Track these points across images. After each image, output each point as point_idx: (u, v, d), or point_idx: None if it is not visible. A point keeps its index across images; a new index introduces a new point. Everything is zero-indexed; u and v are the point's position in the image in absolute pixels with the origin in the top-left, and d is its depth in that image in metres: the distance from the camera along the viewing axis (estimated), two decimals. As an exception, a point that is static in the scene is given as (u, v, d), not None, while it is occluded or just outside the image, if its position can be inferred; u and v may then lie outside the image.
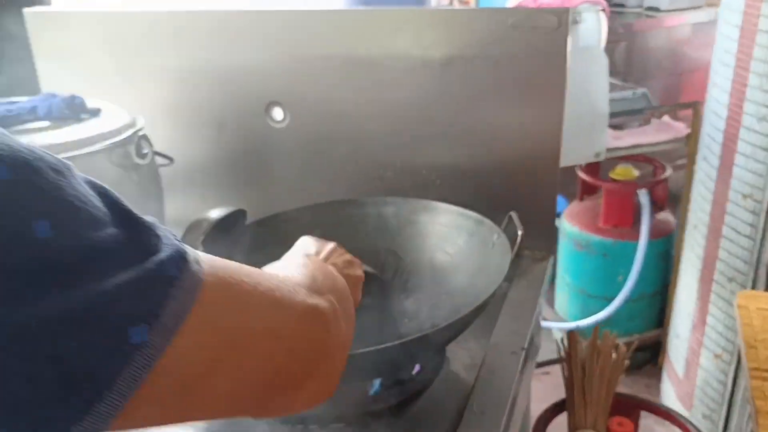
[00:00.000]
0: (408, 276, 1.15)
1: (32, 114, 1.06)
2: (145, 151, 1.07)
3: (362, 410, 0.91)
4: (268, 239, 1.14)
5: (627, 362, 1.23)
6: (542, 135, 1.17)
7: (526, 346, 1.00)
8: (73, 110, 1.09)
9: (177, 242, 0.37)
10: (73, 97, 1.10)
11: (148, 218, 0.38)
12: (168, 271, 0.35)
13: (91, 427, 0.31)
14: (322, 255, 0.72)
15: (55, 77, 1.43)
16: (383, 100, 1.25)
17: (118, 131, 1.05)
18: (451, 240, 1.12)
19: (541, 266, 1.21)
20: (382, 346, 0.81)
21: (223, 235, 1.09)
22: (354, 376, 0.84)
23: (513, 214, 1.04)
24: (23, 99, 1.12)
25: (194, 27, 1.31)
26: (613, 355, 1.25)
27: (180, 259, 0.36)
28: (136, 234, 0.35)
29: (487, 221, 1.05)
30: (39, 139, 1.00)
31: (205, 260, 0.39)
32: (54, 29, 1.41)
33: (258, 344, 0.41)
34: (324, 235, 0.98)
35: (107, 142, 1.03)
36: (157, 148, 1.19)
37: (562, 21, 1.08)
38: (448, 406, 0.92)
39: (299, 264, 0.58)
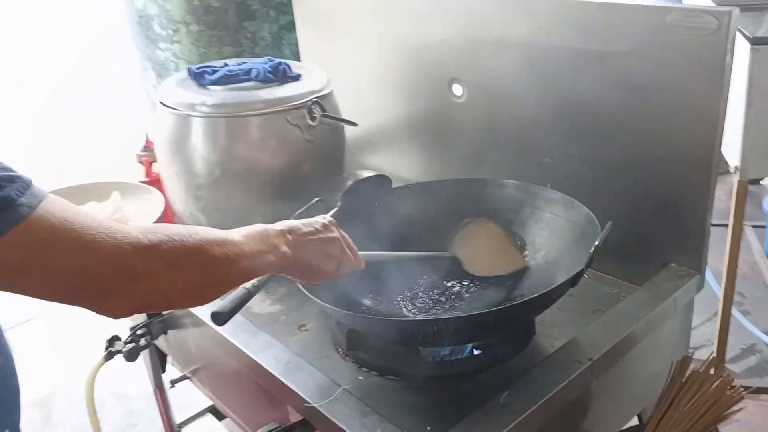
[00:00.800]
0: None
1: (247, 75, 1.34)
2: (315, 116, 1.28)
3: (448, 371, 1.04)
4: (410, 203, 1.28)
5: (737, 408, 1.07)
6: (695, 142, 1.06)
7: (595, 357, 0.98)
8: (277, 75, 1.34)
9: (19, 189, 0.59)
10: (279, 63, 1.36)
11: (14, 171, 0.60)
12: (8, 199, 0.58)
13: None
14: (299, 231, 0.87)
15: (310, 41, 1.73)
16: (547, 89, 1.25)
17: (296, 97, 1.28)
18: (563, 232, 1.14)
19: (677, 283, 1.12)
20: (477, 312, 1.00)
21: (365, 193, 1.27)
22: (451, 339, 0.97)
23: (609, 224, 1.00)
24: (255, 60, 1.41)
25: (396, 4, 1.45)
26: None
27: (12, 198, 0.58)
28: None
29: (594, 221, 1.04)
30: (243, 96, 1.28)
31: (46, 202, 0.61)
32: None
33: (61, 266, 0.62)
34: (457, 207, 1.14)
35: (285, 105, 1.26)
36: (353, 110, 1.40)
37: (723, 23, 0.95)
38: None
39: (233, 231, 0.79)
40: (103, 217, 1.19)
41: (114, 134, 3.22)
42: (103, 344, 1.35)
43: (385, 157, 1.66)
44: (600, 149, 1.21)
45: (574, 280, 0.95)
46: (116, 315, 0.68)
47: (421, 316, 1.13)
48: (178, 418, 1.79)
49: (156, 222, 1.27)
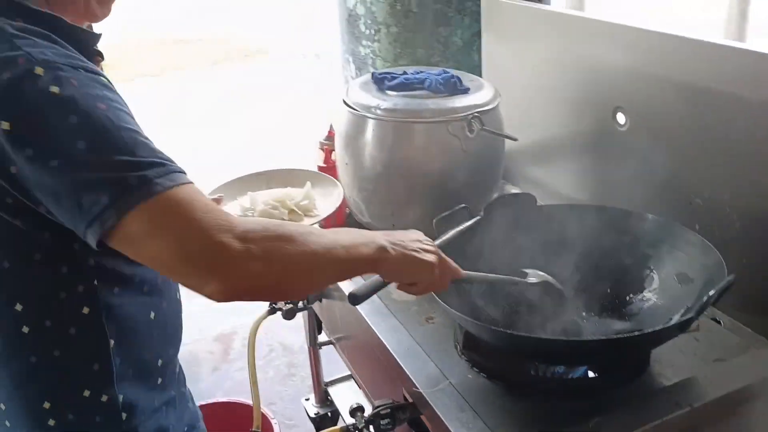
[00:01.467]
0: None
1: (421, 84, 1.48)
2: (474, 128, 1.38)
3: (552, 386, 1.13)
4: (551, 223, 1.34)
5: None
6: None
7: (695, 405, 0.99)
8: (447, 87, 1.46)
9: (165, 176, 0.74)
10: (451, 76, 1.47)
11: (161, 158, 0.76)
12: (146, 178, 0.73)
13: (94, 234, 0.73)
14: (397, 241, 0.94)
15: (493, 50, 1.83)
16: (705, 131, 1.24)
17: (459, 110, 1.39)
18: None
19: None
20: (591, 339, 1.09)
21: (509, 207, 1.35)
22: (566, 360, 1.07)
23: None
24: (432, 71, 1.54)
25: (579, 29, 1.49)
26: None
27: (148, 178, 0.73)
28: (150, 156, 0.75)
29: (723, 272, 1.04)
30: (413, 104, 1.42)
31: (179, 188, 0.75)
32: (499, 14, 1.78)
33: (173, 244, 0.74)
34: (598, 234, 1.25)
35: (448, 117, 1.38)
36: (520, 122, 1.48)
37: None
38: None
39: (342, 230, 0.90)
40: (293, 202, 1.40)
41: (309, 120, 3.54)
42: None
43: (544, 170, 1.71)
44: (752, 199, 1.17)
45: (682, 326, 0.96)
46: (218, 298, 0.75)
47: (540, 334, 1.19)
48: (326, 377, 2.01)
49: (332, 212, 1.43)
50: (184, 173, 0.78)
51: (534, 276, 1.20)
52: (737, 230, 1.20)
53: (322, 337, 1.78)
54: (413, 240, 0.97)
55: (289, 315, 1.56)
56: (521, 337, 1.10)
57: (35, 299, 0.86)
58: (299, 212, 1.41)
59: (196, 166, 1.47)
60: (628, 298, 1.23)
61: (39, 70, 0.75)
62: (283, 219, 1.37)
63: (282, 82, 6.51)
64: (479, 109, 1.41)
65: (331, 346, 1.69)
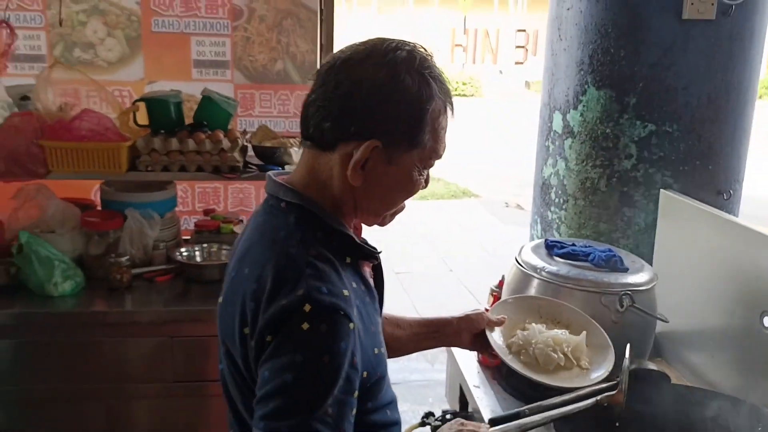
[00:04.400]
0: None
1: (585, 257, 1.72)
2: (624, 304, 1.57)
3: None
4: (678, 405, 1.45)
5: None
6: None
7: None
8: (608, 263, 1.68)
9: None
10: (614, 255, 1.70)
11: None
12: None
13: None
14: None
15: (666, 237, 2.01)
16: None
17: (613, 285, 1.60)
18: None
19: None
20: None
21: (643, 379, 1.51)
22: None
23: None
24: (598, 247, 1.78)
25: (738, 235, 1.65)
26: None
27: None
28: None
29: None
30: (574, 272, 1.66)
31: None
32: None
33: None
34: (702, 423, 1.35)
35: (602, 289, 1.60)
36: (678, 306, 1.65)
37: None
38: None
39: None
40: (568, 348, 1.51)
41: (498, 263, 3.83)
42: (421, 414, 1.83)
43: (694, 353, 1.80)
44: None
45: None
46: None
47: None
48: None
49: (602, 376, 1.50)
50: None
51: None
52: None
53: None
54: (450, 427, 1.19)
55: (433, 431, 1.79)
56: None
57: None
58: (572, 359, 1.50)
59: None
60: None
61: (307, 308, 0.97)
62: (560, 364, 1.49)
63: (485, 222, 6.96)
64: (632, 288, 1.60)
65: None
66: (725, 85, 2.20)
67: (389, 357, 1.26)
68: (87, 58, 2.72)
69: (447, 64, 17.88)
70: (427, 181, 1.14)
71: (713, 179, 2.28)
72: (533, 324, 1.55)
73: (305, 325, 0.96)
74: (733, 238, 1.67)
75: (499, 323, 1.51)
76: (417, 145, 1.08)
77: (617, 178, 2.31)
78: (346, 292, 1.02)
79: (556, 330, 1.53)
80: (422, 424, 1.82)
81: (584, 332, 1.54)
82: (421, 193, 1.18)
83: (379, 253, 1.17)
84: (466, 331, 1.49)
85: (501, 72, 19.40)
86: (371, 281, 1.19)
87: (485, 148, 10.52)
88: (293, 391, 0.95)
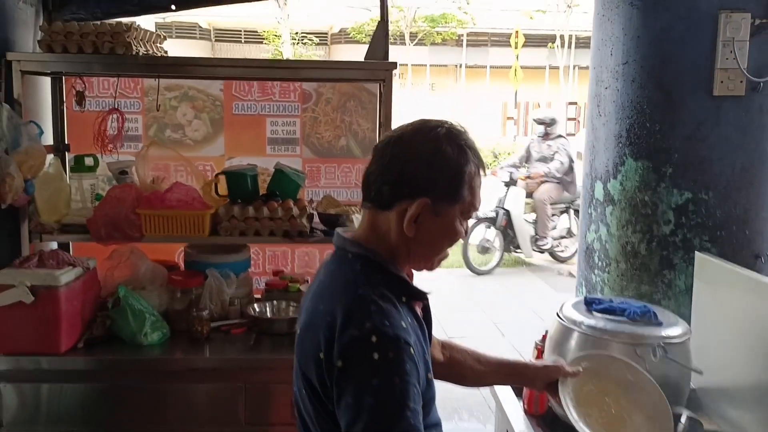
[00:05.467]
0: None
1: (622, 312, 1.88)
2: (657, 355, 1.72)
3: None
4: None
5: None
6: None
7: None
8: (643, 317, 1.84)
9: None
10: (648, 310, 1.85)
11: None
12: None
13: None
14: None
15: (701, 298, 2.14)
16: None
17: (647, 338, 1.75)
18: None
19: None
20: None
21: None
22: None
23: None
24: (633, 303, 1.93)
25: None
26: None
27: None
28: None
29: None
30: (610, 326, 1.82)
31: None
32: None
33: None
34: None
35: (637, 341, 1.75)
36: (713, 360, 1.78)
37: None
38: None
39: None
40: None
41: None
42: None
43: (731, 407, 1.91)
44: None
45: None
46: None
47: None
48: None
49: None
50: None
51: None
52: None
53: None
54: None
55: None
56: None
57: None
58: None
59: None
60: None
61: (374, 339, 1.17)
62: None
63: (537, 289, 7.04)
64: (665, 340, 1.75)
65: None
66: (758, 154, 2.35)
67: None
68: (177, 137, 3.10)
69: (499, 137, 18.22)
70: (467, 231, 1.41)
71: (750, 243, 2.40)
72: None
73: (375, 355, 1.17)
74: (765, 298, 1.80)
75: (574, 374, 1.67)
76: (458, 200, 1.32)
77: (657, 242, 2.46)
78: (404, 324, 1.24)
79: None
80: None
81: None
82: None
83: (429, 293, 1.40)
84: (540, 380, 1.67)
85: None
86: (422, 319, 1.41)
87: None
88: (376, 410, 1.15)
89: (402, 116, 1.80)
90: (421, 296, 1.39)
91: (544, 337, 2.07)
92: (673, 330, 1.81)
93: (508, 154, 16.58)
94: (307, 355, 1.29)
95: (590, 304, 1.94)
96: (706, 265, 2.14)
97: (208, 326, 2.47)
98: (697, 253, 2.18)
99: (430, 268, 1.39)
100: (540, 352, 2.07)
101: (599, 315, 1.89)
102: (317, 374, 1.25)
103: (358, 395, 1.17)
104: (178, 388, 2.34)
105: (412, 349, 1.21)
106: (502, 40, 20.40)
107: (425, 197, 1.29)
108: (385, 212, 1.33)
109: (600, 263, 2.69)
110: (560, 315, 1.93)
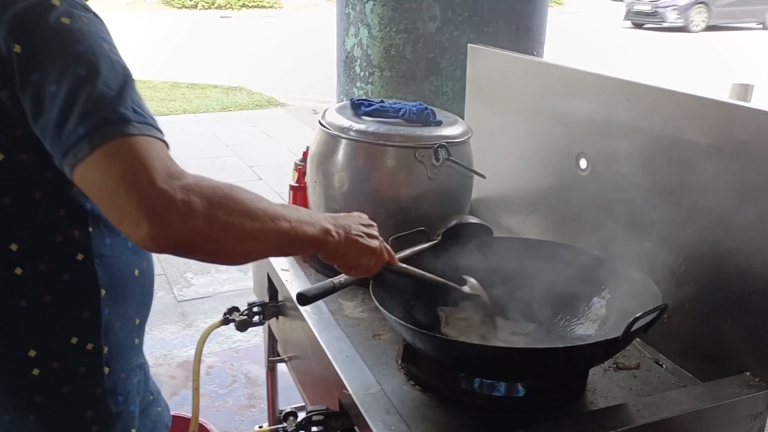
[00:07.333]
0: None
1: (396, 113, 1.53)
2: (440, 158, 1.42)
3: (478, 402, 1.12)
4: (501, 254, 1.36)
5: None
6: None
7: (619, 429, 0.99)
8: (421, 117, 1.52)
9: (142, 124, 0.77)
10: (425, 108, 1.53)
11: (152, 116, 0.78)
12: (125, 118, 0.75)
13: (69, 164, 0.74)
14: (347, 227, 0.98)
15: (474, 99, 1.89)
16: (661, 177, 1.27)
17: (427, 138, 1.44)
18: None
19: (742, 390, 1.07)
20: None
21: (465, 235, 1.38)
22: (487, 370, 1.09)
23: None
24: (408, 103, 1.60)
25: (548, 76, 1.56)
26: None
27: (130, 121, 0.75)
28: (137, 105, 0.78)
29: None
30: (384, 129, 1.47)
31: (153, 138, 0.76)
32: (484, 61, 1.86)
33: (117, 180, 0.73)
34: (528, 267, 1.28)
35: (416, 143, 1.43)
36: (492, 166, 1.54)
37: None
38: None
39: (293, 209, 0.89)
40: None
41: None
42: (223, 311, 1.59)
43: (513, 215, 1.74)
44: (700, 247, 1.19)
45: (608, 346, 0.97)
46: (150, 245, 0.73)
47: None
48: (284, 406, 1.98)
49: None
50: (162, 133, 0.80)
51: (471, 287, 1.22)
52: (682, 274, 1.22)
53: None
54: (358, 224, 1.00)
55: (241, 326, 1.56)
56: (448, 341, 1.11)
57: (31, 240, 0.87)
58: None
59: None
60: (567, 326, 1.24)
61: (56, 1, 0.80)
62: None
63: (293, 129, 6.67)
64: (447, 141, 1.45)
65: (293, 382, 1.68)
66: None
67: None
68: None
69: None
70: None
71: (518, 40, 2.21)
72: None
73: (65, 20, 0.80)
74: (545, 80, 1.57)
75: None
76: None
77: (422, 43, 2.16)
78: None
79: None
80: (224, 321, 1.58)
81: None
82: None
83: None
84: None
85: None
86: None
87: (288, 57, 10.08)
88: (95, 77, 0.78)
89: None
90: None
91: (305, 153, 1.68)
92: (454, 129, 1.51)
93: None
94: None
95: (358, 107, 1.57)
96: (477, 58, 1.86)
97: None
98: (470, 45, 1.89)
99: None
100: (301, 173, 1.68)
101: (370, 118, 1.52)
102: None
103: (59, 74, 0.78)
104: None
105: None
106: None
107: None
108: None
109: (362, 73, 2.33)
110: (323, 122, 1.53)
